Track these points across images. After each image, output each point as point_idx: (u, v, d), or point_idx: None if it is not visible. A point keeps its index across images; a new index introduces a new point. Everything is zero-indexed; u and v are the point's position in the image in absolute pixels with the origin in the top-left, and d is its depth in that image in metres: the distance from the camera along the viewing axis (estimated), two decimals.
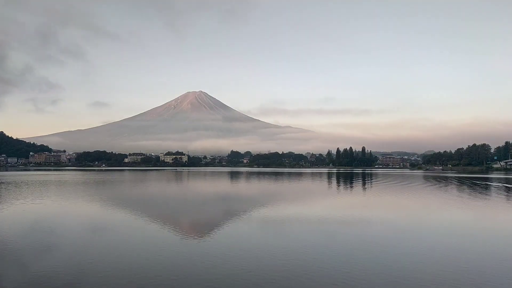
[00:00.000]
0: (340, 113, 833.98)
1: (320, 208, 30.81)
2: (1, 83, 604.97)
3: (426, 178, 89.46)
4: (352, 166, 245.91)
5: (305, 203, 35.05)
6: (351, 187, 59.33)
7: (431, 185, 60.84)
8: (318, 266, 13.23)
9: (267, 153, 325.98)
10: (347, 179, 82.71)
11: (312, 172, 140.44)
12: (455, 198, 40.12)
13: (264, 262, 13.73)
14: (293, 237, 18.46)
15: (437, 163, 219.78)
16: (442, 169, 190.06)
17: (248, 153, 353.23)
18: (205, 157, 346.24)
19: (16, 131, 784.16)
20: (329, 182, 74.74)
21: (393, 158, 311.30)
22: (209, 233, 19.38)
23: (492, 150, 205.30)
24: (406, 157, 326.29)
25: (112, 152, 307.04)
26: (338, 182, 74.35)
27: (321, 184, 66.56)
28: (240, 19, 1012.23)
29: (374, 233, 19.80)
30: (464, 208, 31.37)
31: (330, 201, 37.31)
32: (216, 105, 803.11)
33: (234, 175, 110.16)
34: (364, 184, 66.23)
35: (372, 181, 75.08)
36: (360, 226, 21.88)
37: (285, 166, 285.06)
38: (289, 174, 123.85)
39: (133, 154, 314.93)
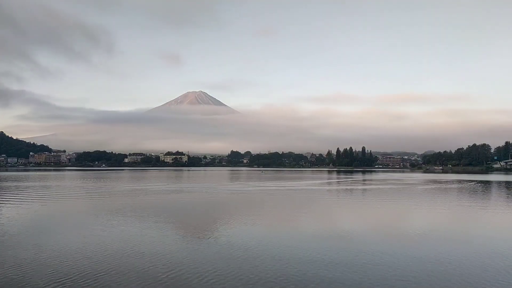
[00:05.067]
0: (340, 111, 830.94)
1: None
2: None
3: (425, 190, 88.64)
4: (352, 166, 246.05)
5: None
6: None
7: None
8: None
9: (267, 153, 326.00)
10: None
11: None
12: None
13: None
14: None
15: (437, 163, 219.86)
16: (442, 169, 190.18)
17: (248, 153, 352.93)
18: (205, 157, 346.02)
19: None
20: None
21: (393, 158, 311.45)
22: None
23: (492, 150, 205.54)
24: (406, 157, 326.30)
25: (112, 152, 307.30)
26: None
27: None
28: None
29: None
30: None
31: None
32: (216, 105, 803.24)
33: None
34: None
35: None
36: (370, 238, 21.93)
37: (285, 166, 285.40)
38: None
39: (133, 154, 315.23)
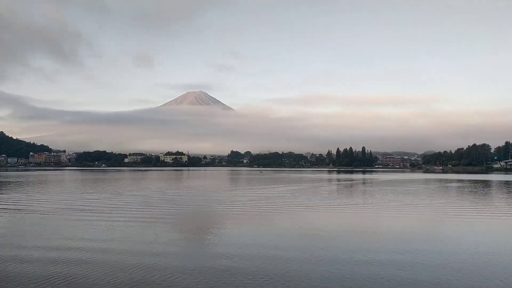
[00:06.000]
0: (340, 111, 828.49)
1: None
2: None
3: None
4: (352, 166, 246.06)
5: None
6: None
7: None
8: None
9: (267, 153, 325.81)
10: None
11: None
12: None
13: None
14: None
15: (437, 163, 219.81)
16: (442, 170, 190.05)
17: (248, 153, 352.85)
18: (205, 157, 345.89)
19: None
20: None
21: (393, 158, 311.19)
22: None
23: (492, 150, 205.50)
24: (406, 157, 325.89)
25: (112, 152, 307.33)
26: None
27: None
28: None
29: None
30: None
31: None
32: (216, 105, 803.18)
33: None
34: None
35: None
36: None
37: (285, 166, 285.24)
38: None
39: (133, 154, 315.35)
